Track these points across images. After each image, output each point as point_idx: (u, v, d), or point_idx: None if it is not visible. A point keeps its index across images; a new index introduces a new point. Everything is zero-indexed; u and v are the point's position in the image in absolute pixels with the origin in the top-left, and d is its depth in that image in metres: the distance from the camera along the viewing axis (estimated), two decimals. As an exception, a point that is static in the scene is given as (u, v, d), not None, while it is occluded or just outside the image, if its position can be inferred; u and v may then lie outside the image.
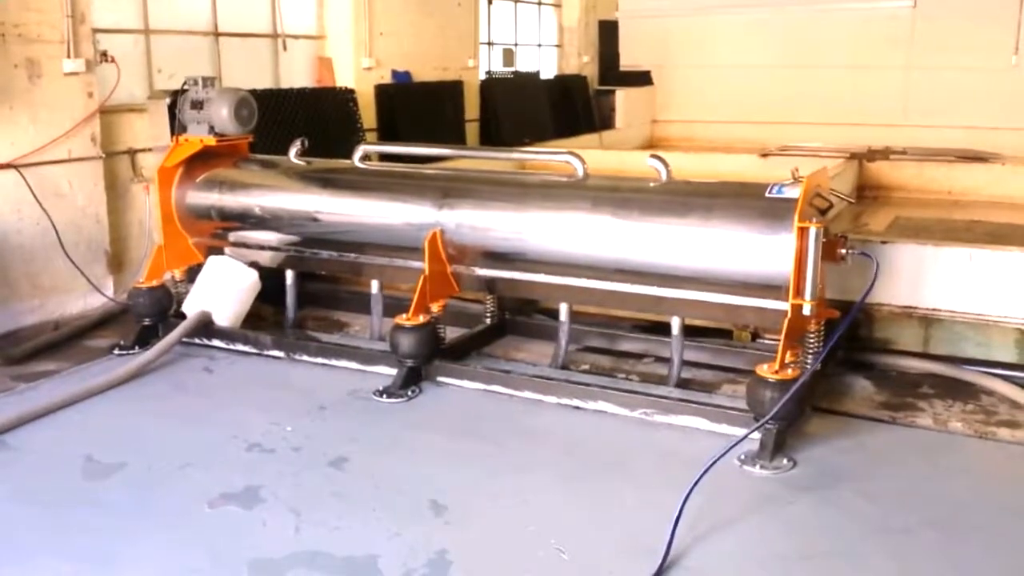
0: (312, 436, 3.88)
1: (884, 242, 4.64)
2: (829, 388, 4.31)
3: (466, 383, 4.37)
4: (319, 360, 4.73)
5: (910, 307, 4.61)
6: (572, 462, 3.64)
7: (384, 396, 4.26)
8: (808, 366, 3.91)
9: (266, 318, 5.47)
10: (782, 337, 3.72)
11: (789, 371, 3.66)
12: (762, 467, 3.55)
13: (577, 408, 4.11)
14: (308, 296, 5.67)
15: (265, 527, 3.18)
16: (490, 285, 4.65)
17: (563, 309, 4.59)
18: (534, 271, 4.42)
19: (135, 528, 3.17)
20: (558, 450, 3.74)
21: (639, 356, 4.81)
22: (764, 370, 3.68)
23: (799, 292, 3.74)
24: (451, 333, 4.76)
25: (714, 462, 3.24)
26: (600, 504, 3.33)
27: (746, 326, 4.72)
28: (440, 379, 4.41)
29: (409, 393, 4.29)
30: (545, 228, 4.33)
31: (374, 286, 5.00)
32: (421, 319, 4.36)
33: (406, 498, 3.35)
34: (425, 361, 4.39)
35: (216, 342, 4.99)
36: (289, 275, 5.27)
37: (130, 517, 3.24)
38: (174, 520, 3.23)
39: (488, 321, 5.03)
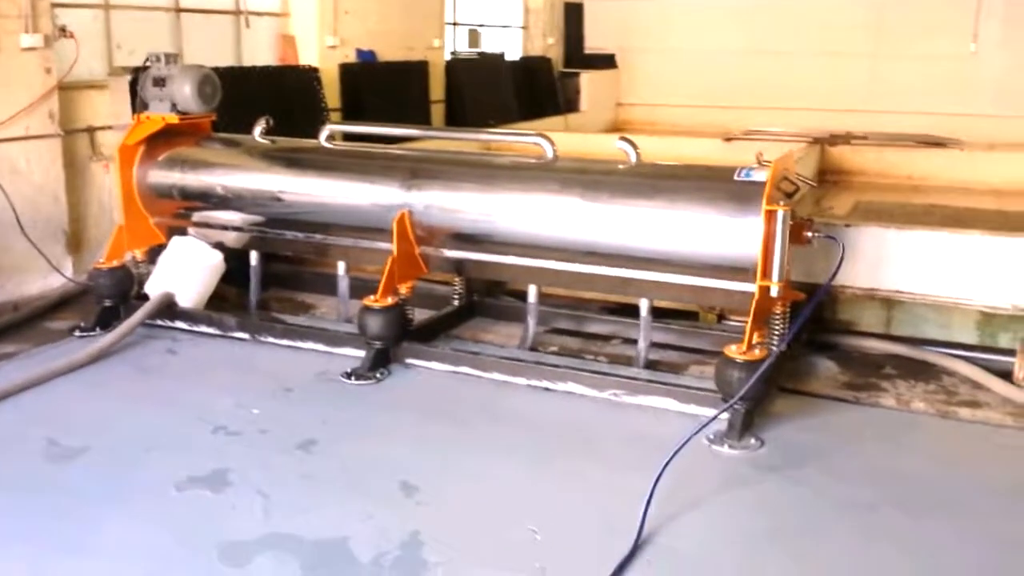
0: (279, 419, 3.85)
1: (848, 225, 4.69)
2: (794, 369, 4.36)
3: (435, 365, 4.35)
4: (285, 342, 4.68)
5: (873, 289, 4.66)
6: (543, 444, 3.65)
7: (352, 378, 4.23)
8: (775, 347, 3.95)
9: (229, 299, 5.40)
10: (750, 318, 3.76)
11: (756, 352, 3.70)
12: (731, 447, 3.59)
13: (547, 390, 4.12)
14: (273, 277, 5.61)
15: (234, 510, 3.15)
16: (459, 267, 4.63)
17: (531, 291, 4.59)
18: (503, 253, 4.41)
19: (101, 513, 3.13)
20: (528, 432, 3.75)
21: (607, 338, 4.83)
22: (732, 351, 3.71)
23: (767, 274, 3.77)
24: (419, 315, 4.74)
25: (684, 444, 3.27)
26: (572, 486, 3.34)
27: (712, 308, 4.77)
28: (409, 361, 4.39)
29: (378, 375, 4.26)
30: (514, 210, 4.33)
31: (340, 267, 4.95)
32: (389, 301, 4.33)
33: (377, 480, 3.33)
34: (394, 343, 4.37)
35: (179, 324, 4.91)
36: (253, 256, 5.20)
37: (95, 502, 3.19)
38: (141, 504, 3.18)
39: (456, 303, 5.01)
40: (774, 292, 3.77)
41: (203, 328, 4.87)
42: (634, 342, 4.52)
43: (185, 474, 3.35)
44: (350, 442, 3.65)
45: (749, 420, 3.71)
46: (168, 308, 4.92)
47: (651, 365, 4.40)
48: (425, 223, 4.45)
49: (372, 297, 4.34)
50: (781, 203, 3.75)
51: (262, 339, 4.74)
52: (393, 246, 4.40)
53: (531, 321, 4.65)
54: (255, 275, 5.25)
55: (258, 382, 4.24)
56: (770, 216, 3.73)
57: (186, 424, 3.78)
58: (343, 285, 4.98)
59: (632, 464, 3.43)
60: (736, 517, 3.17)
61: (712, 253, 3.94)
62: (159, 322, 4.91)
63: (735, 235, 3.84)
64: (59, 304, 5.36)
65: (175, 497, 3.22)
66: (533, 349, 4.64)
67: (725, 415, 3.68)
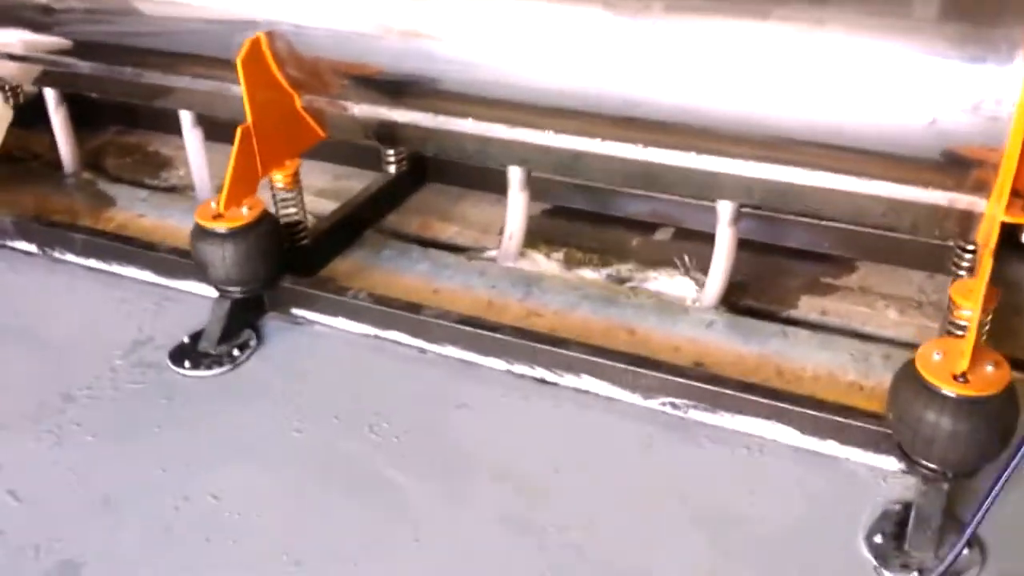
0: (28, 497, 1.97)
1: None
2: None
3: (344, 323, 2.41)
4: (92, 263, 2.73)
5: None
6: (542, 548, 1.80)
7: (187, 364, 2.31)
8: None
9: (41, 156, 3.41)
10: (978, 295, 1.75)
11: (990, 369, 1.74)
12: (922, 573, 1.73)
13: (543, 383, 2.21)
14: (112, 112, 3.57)
15: None
16: (381, 134, 2.53)
17: (515, 175, 2.55)
18: (461, 113, 2.32)
19: None
20: (510, 517, 1.88)
21: (642, 227, 2.86)
22: (933, 364, 1.74)
23: (1022, 186, 1.73)
24: (333, 183, 2.76)
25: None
26: None
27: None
28: (296, 312, 2.46)
29: (235, 352, 2.34)
30: (481, 33, 2.16)
31: (186, 120, 2.88)
32: (246, 212, 2.32)
33: None
34: (263, 284, 2.41)
35: (-71, 222, 2.96)
36: (50, 97, 3.12)
37: None
38: None
39: (393, 170, 2.99)
40: (1035, 235, 1.74)
41: (-36, 232, 2.91)
42: (690, 236, 2.64)
43: None
44: (159, 567, 1.80)
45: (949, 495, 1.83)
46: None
47: (727, 300, 2.48)
48: (303, 55, 2.32)
49: (212, 204, 2.32)
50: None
51: (56, 255, 2.78)
52: (244, 101, 2.30)
53: (515, 219, 2.65)
54: (59, 125, 3.19)
55: (19, 374, 2.34)
56: (1048, 67, 1.63)
57: None
58: (194, 145, 2.93)
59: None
60: None
61: (886, 132, 1.86)
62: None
63: (953, 98, 1.75)
64: None
65: None
66: (522, 255, 2.71)
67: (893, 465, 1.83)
